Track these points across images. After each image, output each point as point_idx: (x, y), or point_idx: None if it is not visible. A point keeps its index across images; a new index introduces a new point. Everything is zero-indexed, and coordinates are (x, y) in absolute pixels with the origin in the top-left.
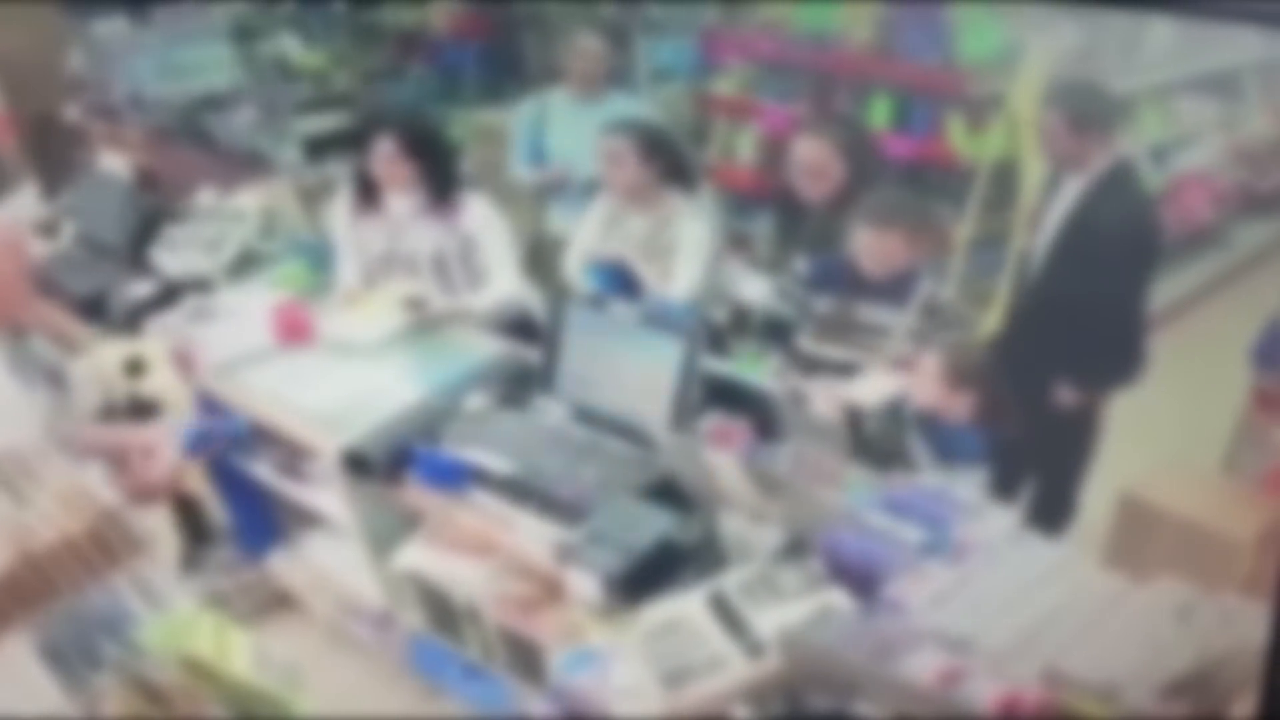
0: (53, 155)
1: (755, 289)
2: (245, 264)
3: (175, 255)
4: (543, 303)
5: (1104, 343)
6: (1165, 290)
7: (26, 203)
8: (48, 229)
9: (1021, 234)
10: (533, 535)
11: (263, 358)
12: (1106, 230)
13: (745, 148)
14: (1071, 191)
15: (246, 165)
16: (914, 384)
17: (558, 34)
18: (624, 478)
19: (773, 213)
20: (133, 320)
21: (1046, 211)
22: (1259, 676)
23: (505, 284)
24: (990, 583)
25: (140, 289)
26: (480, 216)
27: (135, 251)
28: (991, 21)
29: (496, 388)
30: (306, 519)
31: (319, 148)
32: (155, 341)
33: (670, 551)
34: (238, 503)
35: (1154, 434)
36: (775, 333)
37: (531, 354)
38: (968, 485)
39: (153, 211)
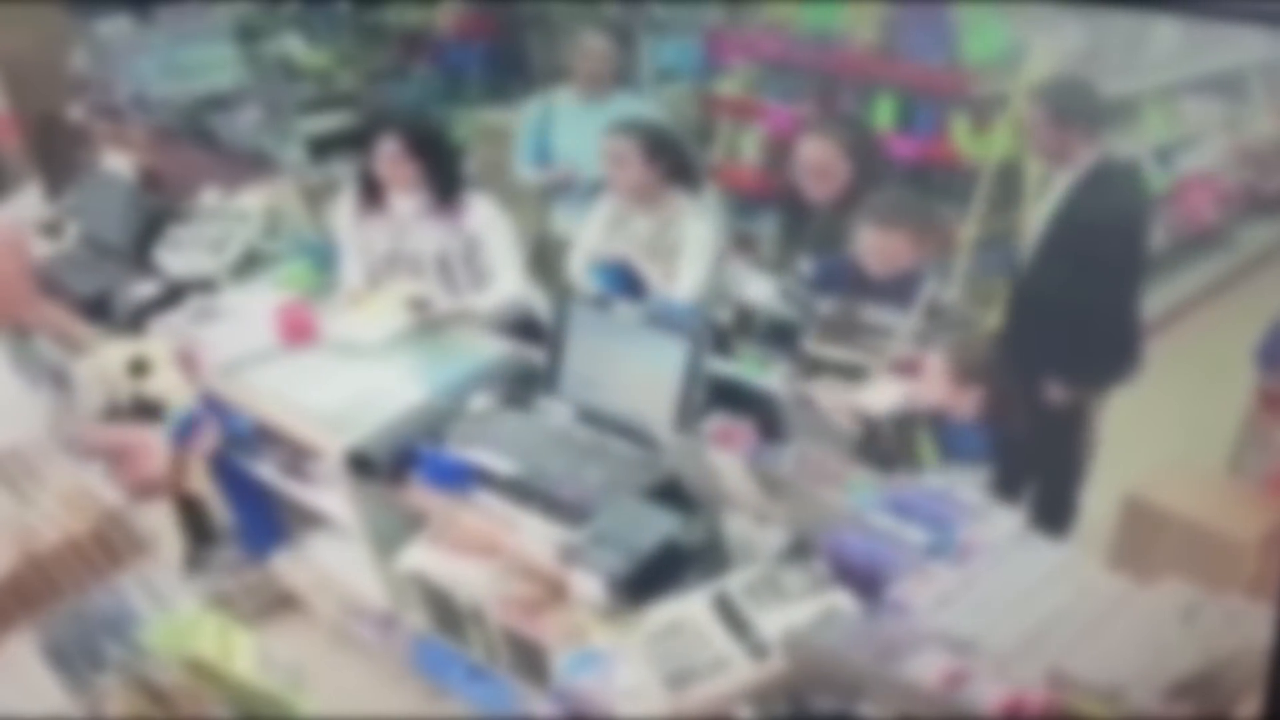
0: (56, 155)
1: (759, 289)
2: (249, 264)
3: (179, 255)
4: (547, 303)
5: (1093, 340)
6: (1170, 291)
7: (30, 203)
8: (51, 229)
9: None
10: (536, 536)
11: (267, 358)
12: (1093, 226)
13: (750, 148)
14: (1059, 187)
15: (250, 165)
16: (921, 383)
17: (562, 34)
18: (628, 479)
19: (777, 213)
20: (136, 320)
21: (1037, 208)
22: (1264, 677)
23: (509, 284)
24: (995, 584)
25: (144, 289)
26: (484, 217)
27: (139, 251)
28: (996, 22)
29: (500, 388)
30: (310, 519)
31: (323, 148)
32: (159, 342)
33: (674, 552)
34: (241, 503)
35: (1158, 435)
36: (779, 333)
37: (536, 354)
38: (972, 483)
39: (157, 211)
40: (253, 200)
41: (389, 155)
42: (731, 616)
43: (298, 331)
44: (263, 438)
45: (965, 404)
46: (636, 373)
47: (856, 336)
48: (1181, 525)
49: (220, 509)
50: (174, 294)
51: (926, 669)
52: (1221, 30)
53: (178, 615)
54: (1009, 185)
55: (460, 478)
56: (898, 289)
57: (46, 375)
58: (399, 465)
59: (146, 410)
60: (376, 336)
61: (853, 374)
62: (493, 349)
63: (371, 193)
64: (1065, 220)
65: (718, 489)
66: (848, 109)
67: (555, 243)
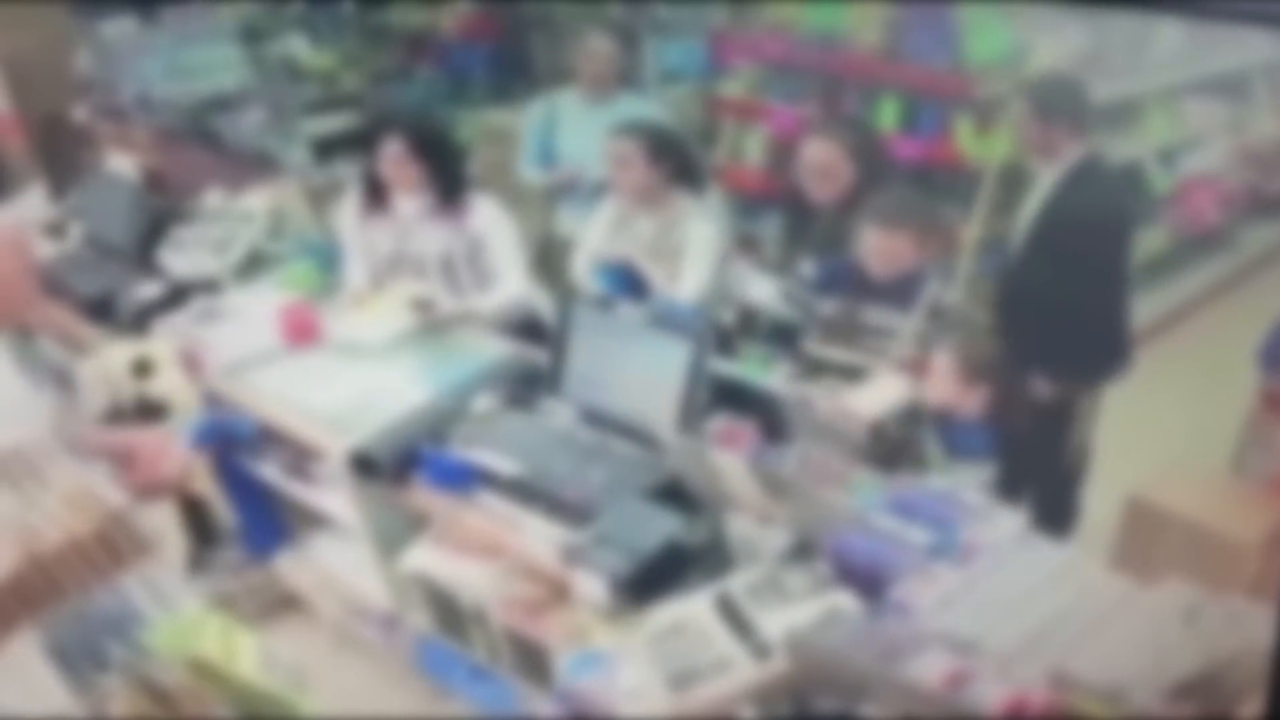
0: (60, 156)
1: (763, 290)
2: (253, 265)
3: (183, 256)
4: (550, 304)
5: (1079, 337)
6: (1172, 292)
7: (34, 203)
8: (55, 230)
9: None
10: (540, 537)
11: (270, 359)
12: (1078, 222)
13: (754, 149)
14: (1046, 183)
15: (254, 166)
16: (927, 382)
17: (566, 35)
18: (631, 479)
19: (781, 214)
20: (140, 321)
21: (1025, 204)
22: (1266, 678)
23: (513, 285)
24: (997, 585)
25: (148, 290)
26: (488, 217)
27: (143, 252)
28: (999, 23)
29: (504, 389)
30: (313, 520)
31: (327, 149)
32: (163, 342)
33: (677, 553)
34: (245, 504)
35: (1160, 436)
36: (783, 334)
37: (539, 355)
38: (976, 482)
39: (160, 212)
40: (257, 201)
41: (393, 156)
42: (734, 617)
43: (301, 332)
44: (266, 438)
45: (971, 403)
46: (639, 373)
47: (858, 337)
48: (1183, 526)
49: (223, 509)
50: (178, 295)
51: (929, 669)
52: (1224, 31)
53: (181, 616)
54: (1012, 186)
55: (463, 478)
56: (900, 290)
57: (50, 376)
58: (402, 466)
59: (150, 411)
60: (380, 337)
61: (854, 375)
62: (496, 350)
63: (375, 194)
64: (1051, 216)
65: (720, 489)
66: (851, 110)
67: (559, 244)
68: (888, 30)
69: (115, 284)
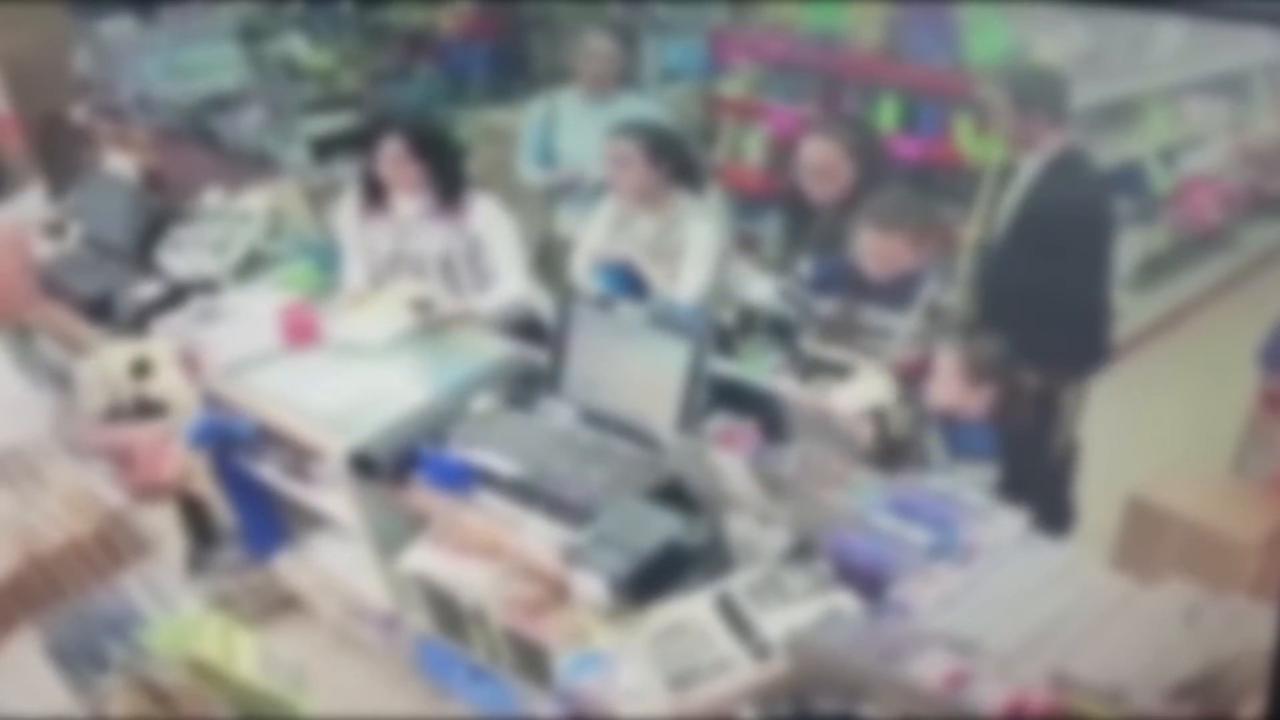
0: (59, 156)
1: (763, 290)
2: (252, 265)
3: (182, 256)
4: (550, 304)
5: (1059, 328)
6: (1173, 292)
7: (33, 203)
8: (54, 230)
9: None
10: (539, 537)
11: (269, 359)
12: (1056, 213)
13: (753, 148)
14: (1025, 174)
15: (253, 166)
16: (931, 383)
17: (566, 34)
18: (630, 479)
19: (781, 214)
20: (139, 321)
21: (1006, 194)
22: (1267, 678)
23: (512, 285)
24: (997, 585)
25: (147, 290)
26: (487, 217)
27: (142, 252)
28: (999, 23)
29: (503, 389)
30: (313, 520)
31: (326, 148)
32: (162, 342)
33: (677, 553)
34: (244, 504)
35: (1161, 435)
36: (782, 334)
37: (538, 355)
38: (979, 484)
39: (159, 212)
40: (255, 201)
41: (392, 156)
42: (734, 617)
43: (300, 332)
44: (265, 439)
45: (975, 403)
46: (639, 374)
47: (856, 337)
48: (1184, 526)
49: (222, 510)
50: (176, 295)
51: (929, 670)
52: (1225, 31)
53: (180, 616)
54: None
55: (462, 478)
56: (898, 290)
57: (49, 376)
58: (401, 466)
59: (148, 411)
60: (379, 337)
61: (851, 375)
62: (495, 350)
63: (374, 193)
64: (1030, 207)
65: (720, 490)
66: (851, 110)
67: (559, 244)
68: (887, 30)
69: (114, 284)
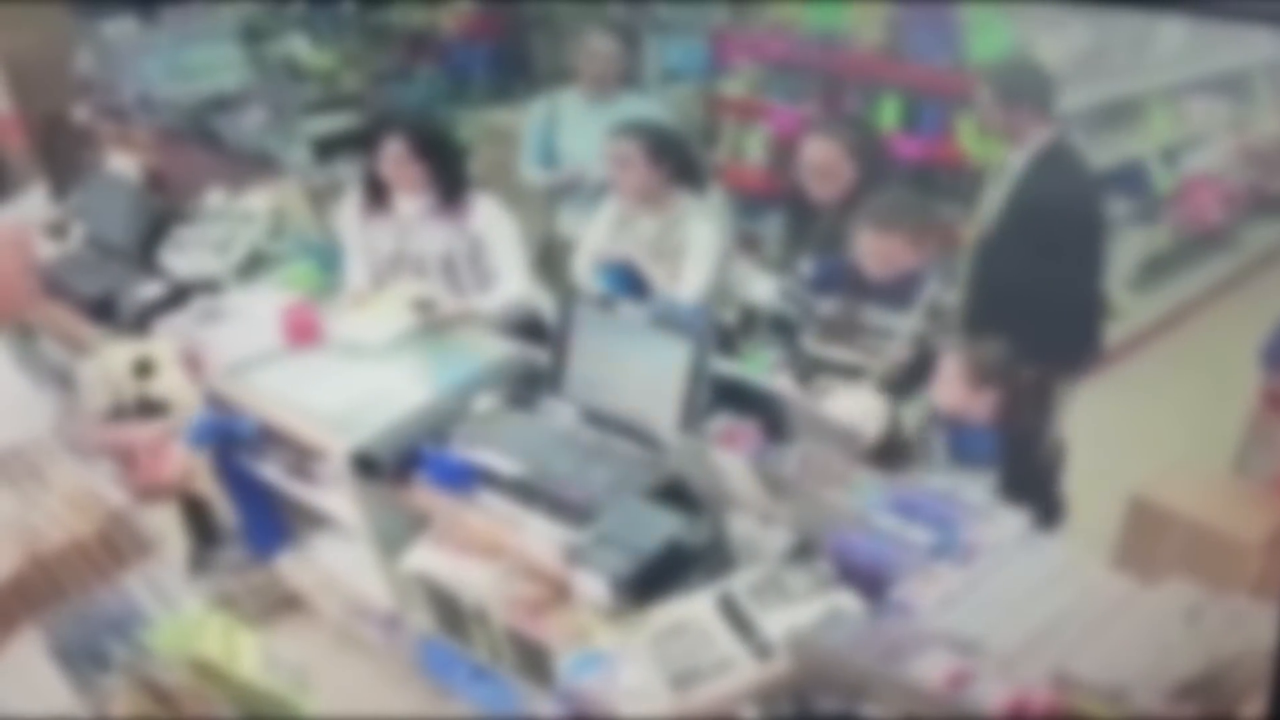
0: (61, 156)
1: (764, 290)
2: (254, 265)
3: (184, 256)
4: (552, 304)
5: (1048, 322)
6: (1175, 291)
7: (35, 203)
8: (56, 230)
9: None
10: (541, 537)
11: (271, 359)
12: (1043, 206)
13: (755, 148)
14: (1013, 167)
15: (255, 166)
16: (935, 386)
17: (567, 35)
18: (632, 479)
19: (782, 213)
20: (141, 321)
21: (995, 188)
22: (1268, 678)
23: (514, 285)
24: (999, 585)
25: (149, 290)
26: (489, 217)
27: (144, 252)
28: (1001, 22)
29: (505, 389)
30: (315, 520)
31: (328, 148)
32: (164, 342)
33: (678, 553)
34: (246, 504)
35: (1163, 435)
36: (784, 334)
37: (540, 355)
38: (981, 487)
39: (161, 212)
40: (258, 201)
41: (394, 156)
42: (736, 617)
43: (302, 332)
44: (267, 438)
45: (979, 407)
46: (641, 373)
47: (857, 337)
48: (1186, 526)
49: (225, 510)
50: (179, 295)
51: (931, 669)
52: (1227, 30)
53: (182, 616)
54: None
55: (465, 478)
56: (898, 290)
57: (51, 376)
58: (403, 466)
59: (151, 411)
60: (381, 337)
61: (852, 374)
62: (497, 350)
63: (376, 194)
64: (1018, 200)
65: (722, 489)
66: (853, 109)
67: (560, 243)
68: (889, 29)
69: (116, 284)
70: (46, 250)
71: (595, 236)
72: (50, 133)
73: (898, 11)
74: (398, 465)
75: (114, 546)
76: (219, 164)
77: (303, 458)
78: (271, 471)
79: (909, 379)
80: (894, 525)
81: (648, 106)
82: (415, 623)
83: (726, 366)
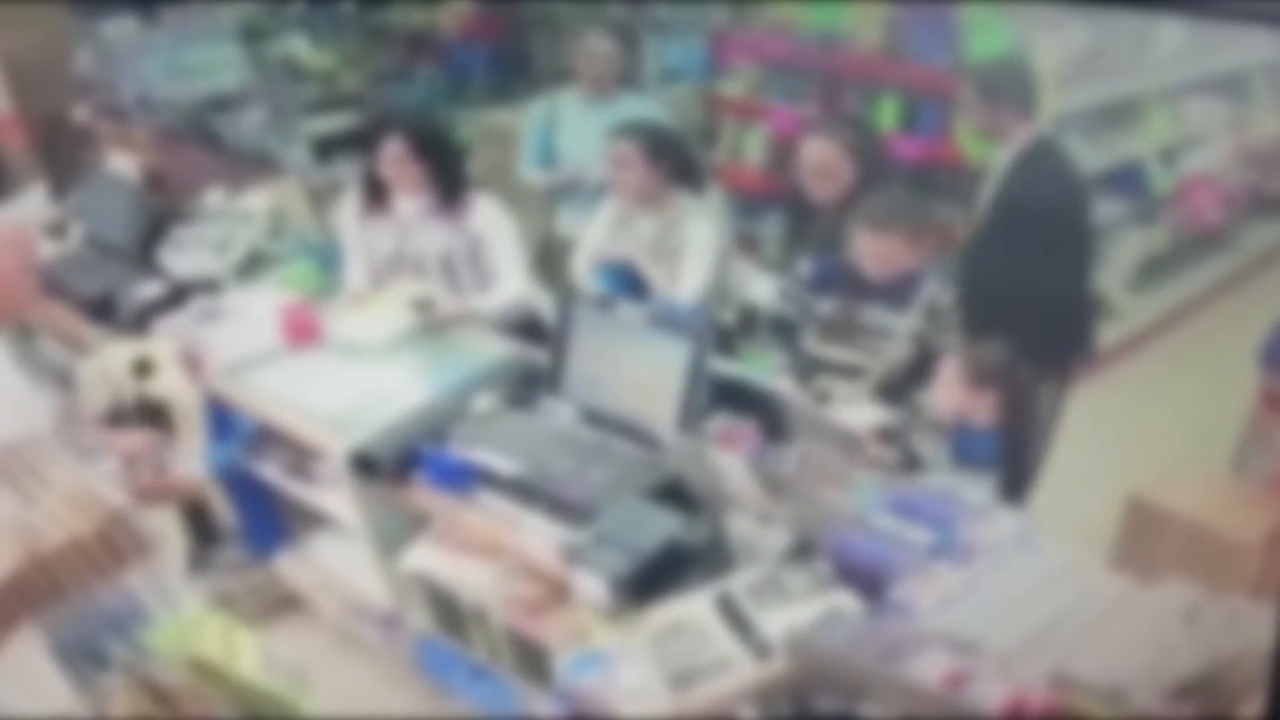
0: (61, 156)
1: (763, 290)
2: (253, 265)
3: (183, 256)
4: (551, 304)
5: (1033, 319)
6: (1173, 292)
7: (35, 203)
8: (56, 230)
9: None
10: (540, 536)
11: (270, 359)
12: (1029, 204)
13: (754, 148)
14: (999, 166)
15: (255, 166)
16: (935, 389)
17: (566, 35)
18: (631, 479)
19: (781, 213)
20: (141, 321)
21: (983, 186)
22: (1267, 678)
23: (513, 285)
24: (998, 585)
25: (148, 290)
26: (488, 217)
27: (143, 252)
28: (1000, 23)
29: (504, 389)
30: (314, 520)
31: (327, 148)
32: (163, 342)
33: (677, 553)
34: (245, 503)
35: (1161, 435)
36: (783, 334)
37: (539, 355)
38: (982, 489)
39: (161, 212)
40: (257, 201)
41: (393, 156)
42: (734, 617)
43: (302, 332)
44: (266, 438)
45: (980, 409)
46: (640, 373)
47: (856, 337)
48: (1184, 526)
49: (224, 509)
50: (178, 295)
51: (929, 669)
52: (1225, 31)
53: (182, 615)
54: None
55: (463, 478)
56: (897, 290)
57: (50, 375)
58: (402, 466)
59: (150, 411)
60: (380, 337)
61: (853, 374)
62: (496, 349)
63: (376, 193)
64: (1004, 198)
65: (721, 489)
66: (851, 110)
67: (560, 244)
68: (888, 29)
69: (116, 284)
70: (46, 250)
71: (594, 237)
72: (50, 133)
73: (897, 12)
74: (397, 465)
75: (114, 546)
76: (219, 164)
77: (302, 457)
78: (271, 471)
79: (908, 379)
80: (893, 525)
81: (647, 107)
82: (414, 622)
83: (725, 366)
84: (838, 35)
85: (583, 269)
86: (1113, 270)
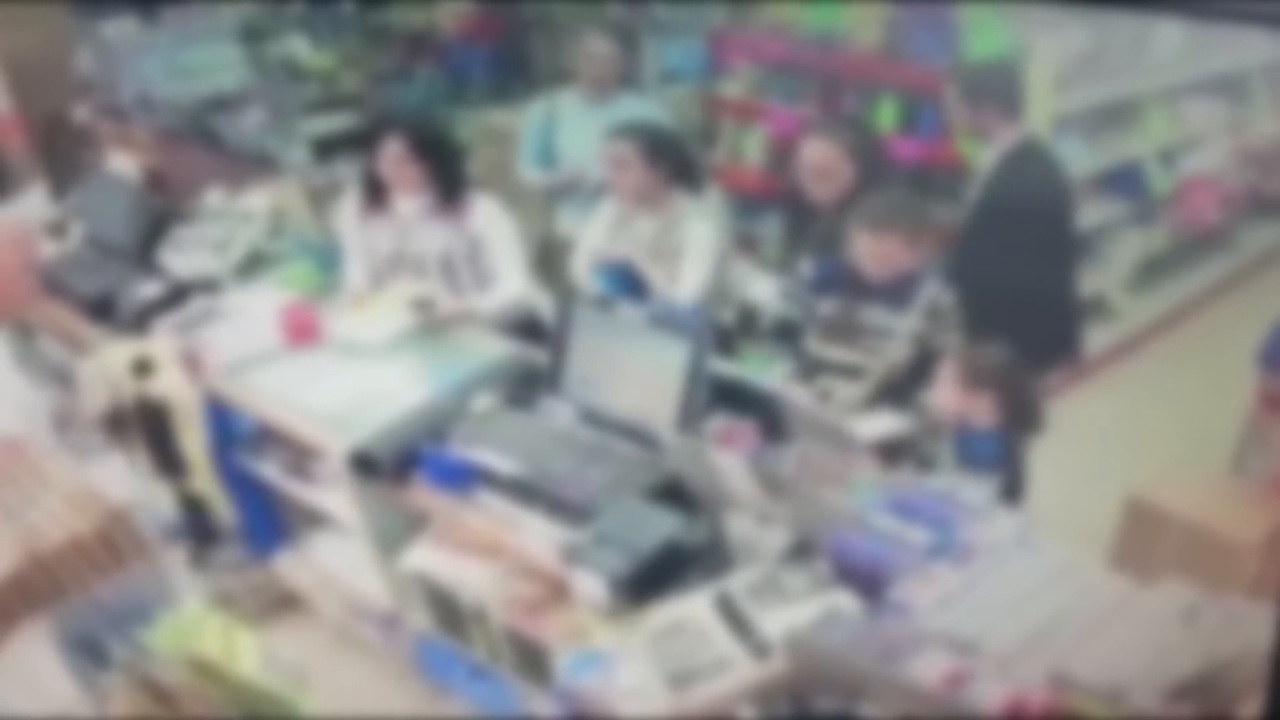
0: (61, 156)
1: (763, 290)
2: (253, 264)
3: (183, 256)
4: (550, 304)
5: (1021, 320)
6: (1172, 292)
7: (35, 203)
8: (56, 229)
9: None
10: (539, 536)
11: (270, 358)
12: (1014, 205)
13: (753, 149)
14: (984, 167)
15: (255, 166)
16: (934, 390)
17: (566, 36)
18: (630, 479)
19: (780, 214)
20: (141, 320)
21: (970, 187)
22: (1266, 679)
23: (513, 285)
24: (997, 585)
25: (148, 289)
26: (488, 217)
27: (144, 252)
28: (999, 23)
29: (503, 388)
30: (314, 519)
31: (327, 148)
32: (163, 342)
33: (676, 553)
34: (245, 503)
35: (1160, 436)
36: (783, 334)
37: (539, 355)
38: (985, 490)
39: (161, 212)
40: (257, 201)
41: (393, 156)
42: (733, 617)
43: (301, 332)
44: (266, 438)
45: (979, 410)
46: (639, 373)
47: (857, 337)
48: (1183, 526)
49: (224, 508)
50: (178, 294)
51: (928, 669)
52: (1224, 32)
53: (181, 614)
54: None
55: (463, 478)
56: (897, 290)
57: (50, 375)
58: (402, 465)
59: (150, 410)
60: (380, 337)
61: (853, 374)
62: (496, 349)
63: (375, 193)
64: (989, 199)
65: (720, 489)
66: (850, 110)
67: (559, 244)
68: (887, 30)
69: (116, 284)
70: (46, 249)
71: (594, 237)
72: (50, 132)
73: (896, 12)
74: (396, 465)
75: (113, 545)
76: (218, 164)
77: (301, 457)
78: (271, 470)
79: (909, 379)
80: (892, 525)
81: (646, 107)
82: (414, 622)
83: (725, 367)
84: (837, 36)
85: (582, 269)
86: (1112, 271)
